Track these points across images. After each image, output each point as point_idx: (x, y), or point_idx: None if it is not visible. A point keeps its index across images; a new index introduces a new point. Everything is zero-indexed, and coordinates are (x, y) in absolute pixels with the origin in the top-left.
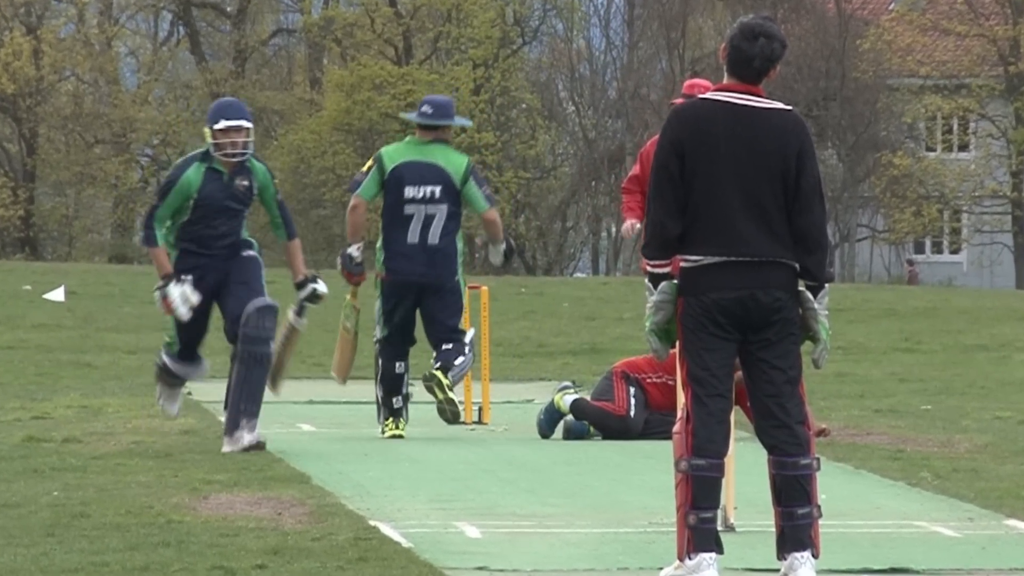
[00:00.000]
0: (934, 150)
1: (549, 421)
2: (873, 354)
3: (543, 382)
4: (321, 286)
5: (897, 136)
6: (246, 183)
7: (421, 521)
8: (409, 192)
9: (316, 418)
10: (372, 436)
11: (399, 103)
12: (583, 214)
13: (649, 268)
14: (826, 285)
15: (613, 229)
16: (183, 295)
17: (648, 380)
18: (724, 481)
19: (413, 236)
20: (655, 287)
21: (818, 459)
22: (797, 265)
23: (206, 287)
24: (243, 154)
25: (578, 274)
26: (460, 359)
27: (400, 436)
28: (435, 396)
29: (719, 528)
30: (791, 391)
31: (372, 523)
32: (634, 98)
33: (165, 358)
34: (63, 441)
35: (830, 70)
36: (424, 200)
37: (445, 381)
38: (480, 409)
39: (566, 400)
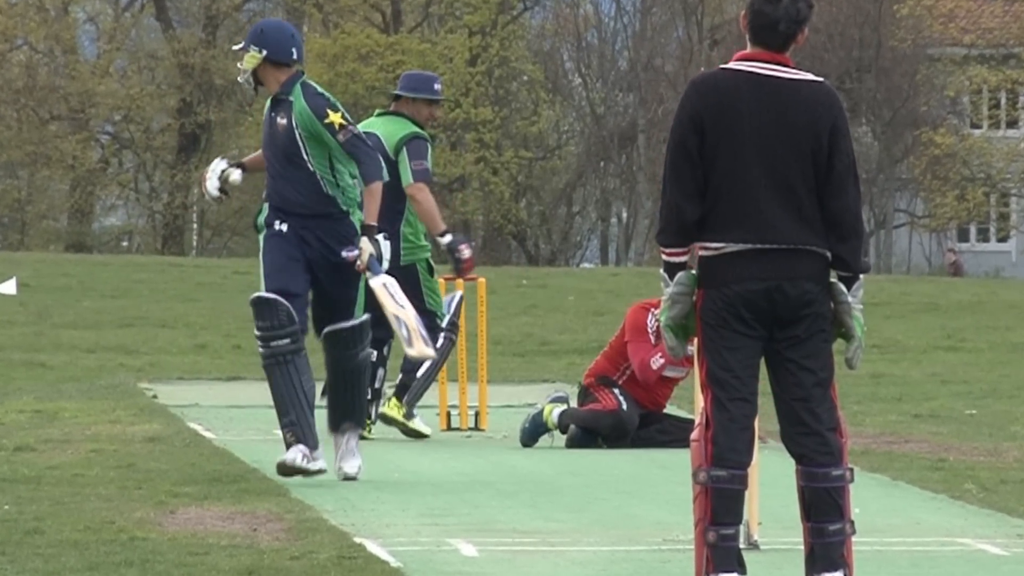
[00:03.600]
0: (980, 127)
1: (532, 432)
2: (912, 353)
3: (546, 384)
4: (384, 245)
5: (938, 111)
6: (284, 122)
7: (411, 538)
8: None
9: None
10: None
11: (387, 75)
12: (591, 198)
13: (665, 257)
14: (861, 276)
15: (624, 214)
16: (215, 167)
17: (621, 380)
18: (747, 494)
19: None
20: (671, 278)
21: (851, 470)
22: (829, 254)
23: (303, 246)
24: (242, 79)
25: (585, 264)
26: (421, 371)
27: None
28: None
29: (741, 546)
30: (822, 394)
31: (357, 540)
32: (647, 69)
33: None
34: (15, 449)
35: (864, 38)
36: None
37: (392, 411)
38: (477, 414)
39: (554, 415)
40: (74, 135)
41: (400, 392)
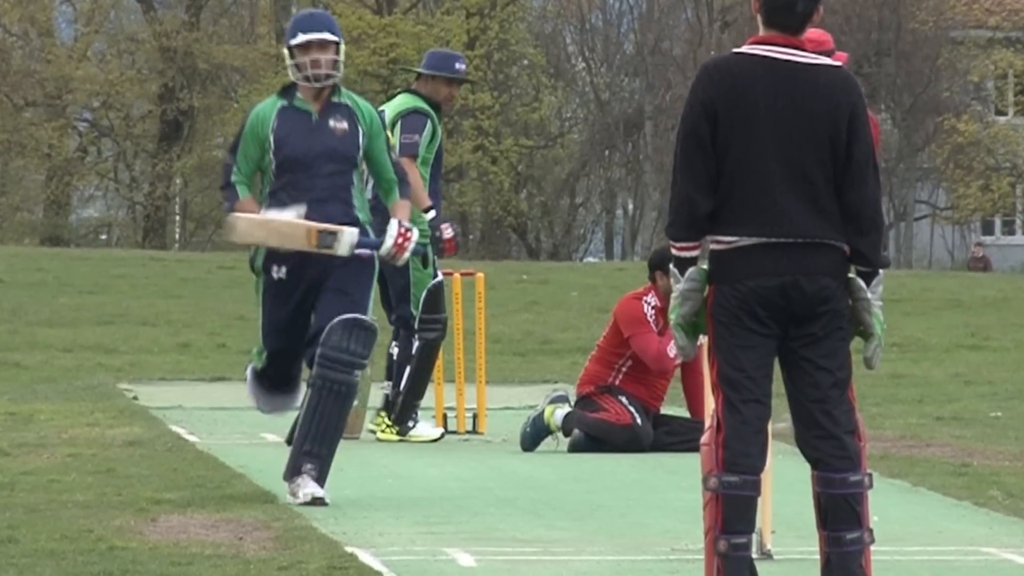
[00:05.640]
0: (1005, 113)
1: (534, 436)
2: (934, 352)
3: (547, 384)
4: (387, 239)
5: (962, 97)
6: (345, 126)
7: (406, 547)
8: None
9: (283, 427)
10: (348, 447)
11: (380, 59)
12: (595, 189)
13: (675, 251)
14: (880, 271)
15: (629, 206)
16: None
17: (617, 380)
18: (760, 501)
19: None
20: (681, 273)
21: (870, 475)
22: (847, 248)
23: (303, 285)
24: (328, 76)
25: (589, 258)
26: (403, 383)
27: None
28: None
29: (754, 555)
30: (839, 396)
31: (348, 549)
32: (654, 53)
33: (248, 375)
34: None
35: (883, 20)
36: None
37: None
38: (475, 417)
39: (557, 416)
40: (50, 122)
41: (388, 410)
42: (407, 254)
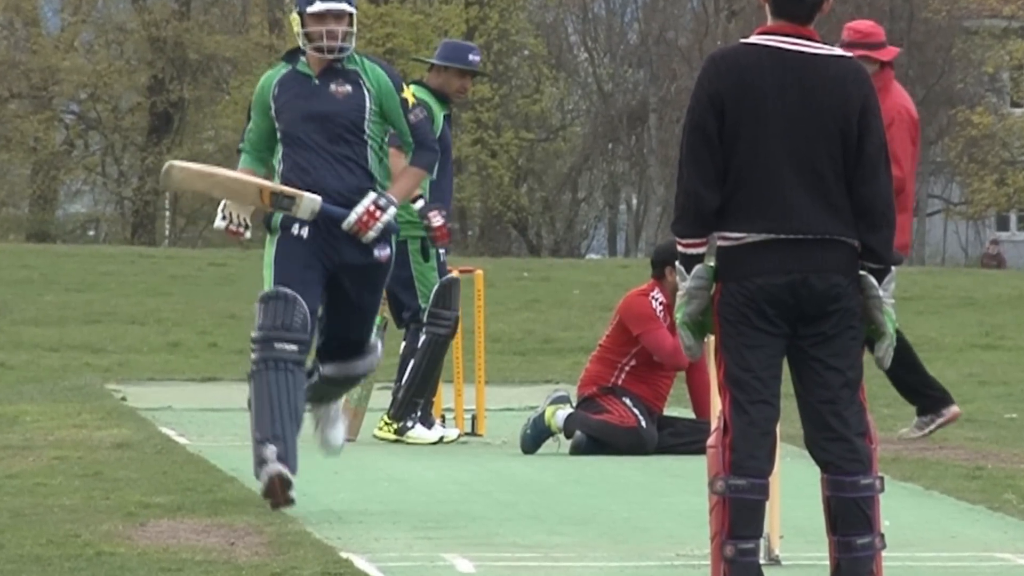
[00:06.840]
0: (1021, 105)
1: (535, 438)
2: (947, 351)
3: (548, 385)
4: (352, 213)
5: (976, 89)
6: (347, 89)
7: (402, 553)
8: None
9: None
10: (344, 449)
11: (376, 49)
12: (598, 183)
13: (681, 248)
14: (892, 268)
15: (633, 201)
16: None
17: (620, 380)
18: (768, 505)
19: None
20: (688, 271)
21: (881, 478)
22: (858, 244)
23: (323, 252)
24: (341, 49)
25: (591, 255)
26: (405, 377)
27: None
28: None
29: (762, 561)
30: (850, 396)
31: (343, 555)
32: (659, 43)
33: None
34: None
35: (895, 9)
36: None
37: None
38: (474, 418)
39: (558, 417)
40: (36, 115)
41: (389, 408)
42: (372, 233)
